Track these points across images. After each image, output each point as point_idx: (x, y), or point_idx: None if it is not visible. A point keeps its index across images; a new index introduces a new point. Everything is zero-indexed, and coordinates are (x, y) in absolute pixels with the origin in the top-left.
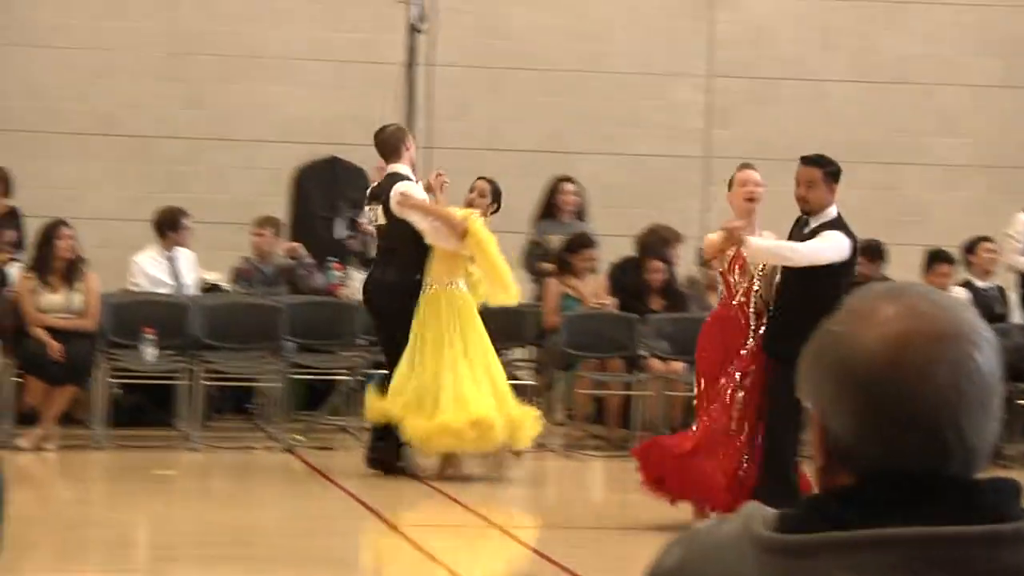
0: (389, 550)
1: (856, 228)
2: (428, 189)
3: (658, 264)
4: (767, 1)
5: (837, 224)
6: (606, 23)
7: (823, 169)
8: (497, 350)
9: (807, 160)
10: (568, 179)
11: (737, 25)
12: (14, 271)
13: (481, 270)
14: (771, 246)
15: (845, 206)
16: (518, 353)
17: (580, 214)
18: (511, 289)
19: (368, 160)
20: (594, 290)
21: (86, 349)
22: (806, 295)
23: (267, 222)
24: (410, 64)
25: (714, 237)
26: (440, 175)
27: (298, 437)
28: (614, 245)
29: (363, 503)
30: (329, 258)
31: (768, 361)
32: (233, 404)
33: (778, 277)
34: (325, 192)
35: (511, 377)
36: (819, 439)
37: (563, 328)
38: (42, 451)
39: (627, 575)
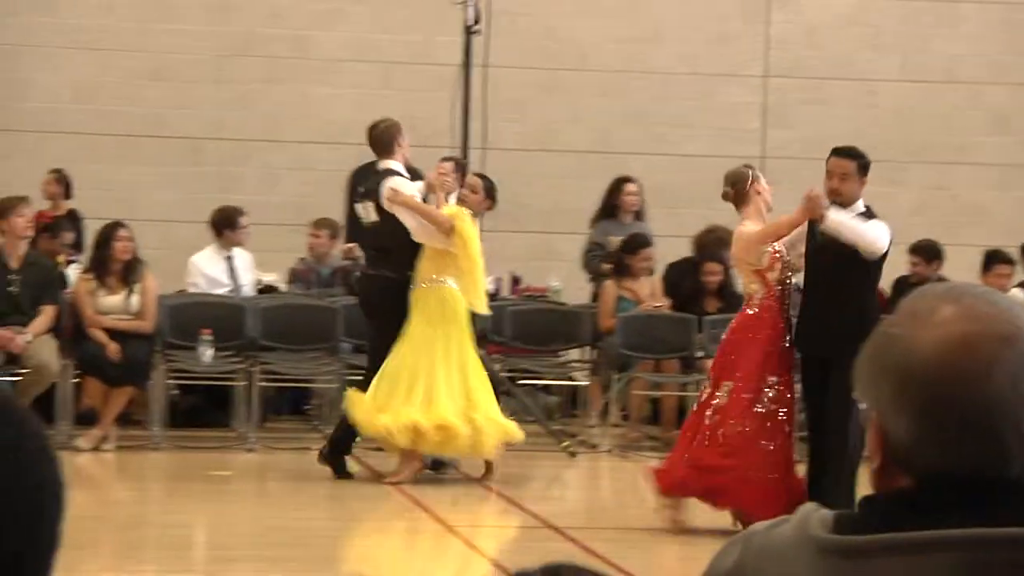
0: (444, 551)
1: (912, 228)
2: (429, 186)
3: (715, 266)
4: (820, 1)
5: (873, 215)
6: (660, 25)
7: (856, 161)
8: (553, 351)
9: (840, 152)
10: (629, 179)
11: (791, 25)
12: (73, 272)
13: (460, 270)
14: (850, 221)
15: (898, 205)
16: (574, 354)
17: (639, 214)
18: (481, 298)
19: (416, 160)
20: (650, 291)
21: (144, 350)
22: (843, 290)
23: (324, 223)
24: (466, 65)
25: (751, 229)
26: (442, 172)
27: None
28: (665, 245)
29: (419, 503)
30: None
31: (808, 361)
32: (290, 405)
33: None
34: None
35: (567, 378)
36: (877, 440)
37: (619, 329)
38: (100, 451)
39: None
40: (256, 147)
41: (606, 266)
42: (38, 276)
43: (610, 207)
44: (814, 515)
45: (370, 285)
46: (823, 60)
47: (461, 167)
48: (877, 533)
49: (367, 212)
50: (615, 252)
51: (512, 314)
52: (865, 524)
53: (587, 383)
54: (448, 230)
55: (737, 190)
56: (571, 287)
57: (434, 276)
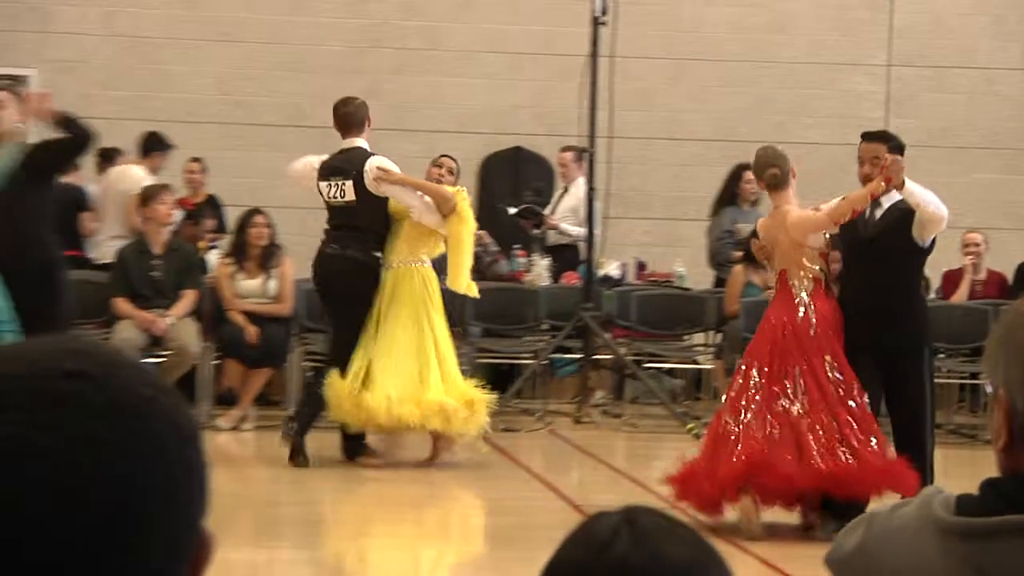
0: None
1: None
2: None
3: (835, 254)
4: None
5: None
6: (784, 15)
7: (888, 143)
8: (677, 335)
9: (871, 136)
10: (748, 166)
11: (915, 15)
12: (213, 258)
13: (450, 251)
14: (928, 193)
15: (1020, 193)
16: (698, 339)
17: (756, 202)
18: (467, 278)
19: (543, 148)
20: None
21: (281, 333)
22: (903, 278)
23: None
24: (593, 57)
25: (807, 212)
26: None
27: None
28: None
29: (549, 485)
30: (514, 245)
31: (863, 353)
32: None
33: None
34: (509, 181)
35: (691, 362)
36: (1005, 419)
37: (743, 314)
38: (239, 431)
39: (806, 546)
40: (388, 135)
41: (737, 253)
42: (180, 261)
43: (730, 194)
44: (936, 497)
45: (334, 266)
46: (945, 49)
47: (580, 155)
48: (999, 515)
49: (340, 191)
50: (745, 239)
51: (637, 299)
52: (987, 506)
53: (711, 366)
54: (451, 208)
55: (784, 171)
56: (694, 273)
57: (411, 256)
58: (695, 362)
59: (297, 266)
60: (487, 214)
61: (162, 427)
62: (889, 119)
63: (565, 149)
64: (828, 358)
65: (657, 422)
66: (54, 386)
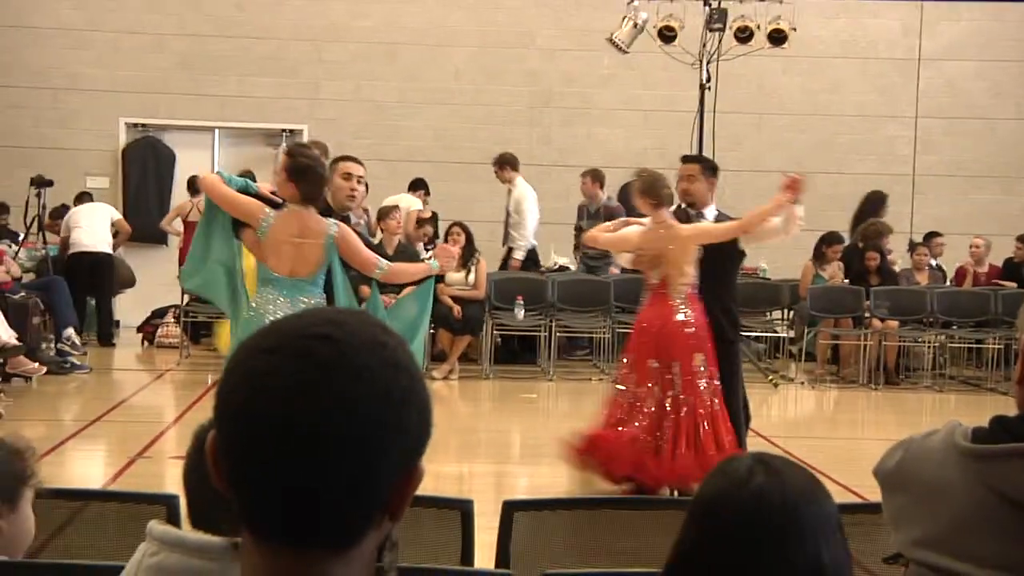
0: None
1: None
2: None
3: (874, 253)
4: (962, 64)
5: (726, 218)
6: (836, 80)
7: (701, 164)
8: (762, 312)
9: (687, 158)
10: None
11: (935, 79)
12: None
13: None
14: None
15: (1011, 209)
16: (776, 315)
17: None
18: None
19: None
20: (833, 271)
21: (478, 311)
22: (728, 281)
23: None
24: (700, 112)
25: (716, 225)
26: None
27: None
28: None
29: None
30: None
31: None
32: (576, 349)
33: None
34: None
35: (772, 331)
36: (1022, 359)
37: (810, 297)
38: (448, 380)
39: (855, 468)
40: (555, 170)
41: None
42: (406, 259)
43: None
44: (958, 429)
45: None
46: (957, 105)
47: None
48: (1004, 444)
49: None
50: (817, 245)
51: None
52: (995, 437)
53: (786, 335)
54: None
55: (671, 192)
56: (773, 267)
57: None
58: (774, 331)
59: (488, 263)
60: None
61: (387, 375)
62: (916, 157)
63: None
64: (701, 356)
65: (747, 375)
66: (304, 343)
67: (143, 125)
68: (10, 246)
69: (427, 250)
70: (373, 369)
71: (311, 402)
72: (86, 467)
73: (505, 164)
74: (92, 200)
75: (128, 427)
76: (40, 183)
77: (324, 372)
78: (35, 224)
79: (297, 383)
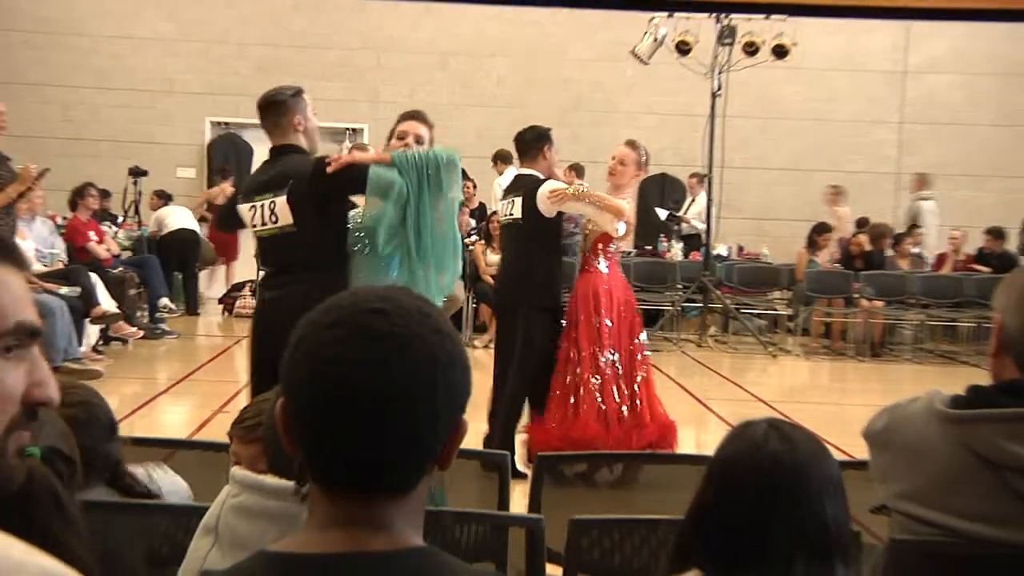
0: (684, 409)
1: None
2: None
3: (860, 239)
4: (942, 77)
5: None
6: (832, 89)
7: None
8: (763, 292)
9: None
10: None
11: (918, 90)
12: (472, 239)
13: None
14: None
15: (985, 204)
16: (776, 294)
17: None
18: None
19: (679, 174)
20: (826, 258)
21: None
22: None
23: None
24: (711, 116)
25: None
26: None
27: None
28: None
29: (681, 386)
30: (660, 235)
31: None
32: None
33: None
34: (658, 195)
35: (771, 309)
36: (996, 333)
37: (806, 279)
38: (488, 348)
39: (844, 430)
40: (586, 166)
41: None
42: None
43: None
44: (938, 396)
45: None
46: (938, 111)
47: (702, 179)
48: (979, 409)
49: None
50: (810, 234)
51: (738, 269)
52: (971, 403)
53: (784, 312)
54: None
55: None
56: (774, 252)
57: None
58: (774, 309)
59: None
60: (642, 216)
61: (434, 341)
62: (901, 158)
63: (692, 175)
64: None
65: (750, 347)
66: (362, 318)
67: (225, 123)
68: (110, 227)
69: (470, 235)
70: (423, 337)
71: (372, 371)
72: (175, 419)
73: (496, 159)
74: (172, 200)
75: (210, 385)
76: (136, 173)
77: (380, 343)
78: (132, 208)
79: (358, 355)
